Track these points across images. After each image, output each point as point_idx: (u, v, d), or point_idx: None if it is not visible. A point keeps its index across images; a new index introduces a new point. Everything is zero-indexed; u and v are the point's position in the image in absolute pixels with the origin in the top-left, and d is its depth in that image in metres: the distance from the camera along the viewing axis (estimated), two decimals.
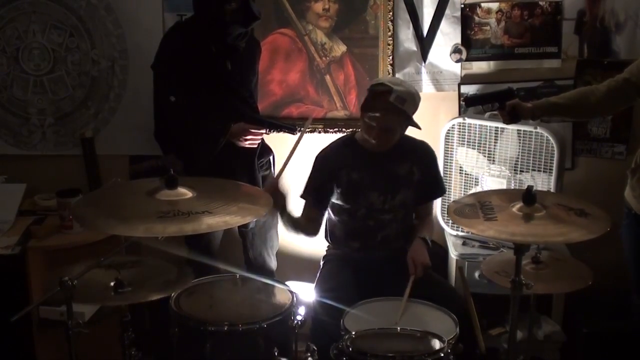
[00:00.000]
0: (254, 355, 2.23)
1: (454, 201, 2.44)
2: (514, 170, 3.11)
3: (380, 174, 2.78)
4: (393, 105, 2.61)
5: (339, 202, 2.81)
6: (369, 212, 2.79)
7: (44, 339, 3.04)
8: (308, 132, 3.36)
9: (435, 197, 2.98)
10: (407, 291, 2.55)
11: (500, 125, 3.07)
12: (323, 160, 2.84)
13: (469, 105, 3.10)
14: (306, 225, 2.80)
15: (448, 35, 3.28)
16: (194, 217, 1.96)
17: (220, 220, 1.99)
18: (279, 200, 2.58)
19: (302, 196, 2.84)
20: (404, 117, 2.66)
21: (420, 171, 2.82)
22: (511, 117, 2.71)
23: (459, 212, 2.27)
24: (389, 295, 2.56)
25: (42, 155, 3.42)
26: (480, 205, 2.28)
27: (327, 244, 2.98)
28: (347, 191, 2.78)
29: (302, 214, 2.83)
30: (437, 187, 2.95)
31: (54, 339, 2.92)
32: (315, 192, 2.82)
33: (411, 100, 2.66)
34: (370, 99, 2.68)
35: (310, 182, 2.84)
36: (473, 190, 3.17)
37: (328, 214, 2.91)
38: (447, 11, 3.25)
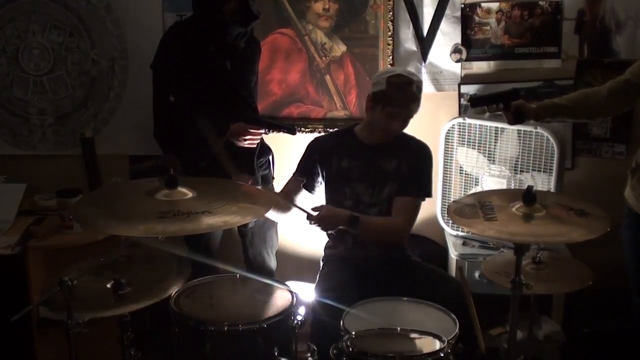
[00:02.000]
0: (254, 355, 2.23)
1: (454, 201, 2.44)
2: (514, 170, 3.10)
3: (370, 167, 2.79)
4: (415, 95, 2.71)
5: (326, 191, 2.82)
6: (356, 204, 2.78)
7: (44, 339, 3.04)
8: (308, 132, 3.37)
9: (414, 194, 2.80)
10: None
11: (501, 125, 3.07)
12: (316, 144, 2.89)
13: (474, 105, 3.07)
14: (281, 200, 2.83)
15: (448, 35, 3.28)
16: (194, 217, 1.96)
17: (220, 220, 1.99)
18: None
19: (293, 175, 2.88)
20: (419, 103, 2.75)
21: (408, 164, 2.79)
22: (516, 117, 2.70)
23: (459, 212, 2.27)
24: (389, 295, 2.56)
25: (42, 155, 3.42)
26: (480, 205, 2.28)
27: (326, 243, 2.97)
28: (334, 178, 2.79)
29: (282, 189, 2.88)
30: (419, 184, 2.81)
31: (54, 339, 2.92)
32: (304, 174, 2.85)
33: (422, 86, 2.80)
34: (393, 92, 2.70)
35: (302, 164, 2.88)
36: (473, 190, 3.16)
37: None
38: (447, 11, 3.25)
